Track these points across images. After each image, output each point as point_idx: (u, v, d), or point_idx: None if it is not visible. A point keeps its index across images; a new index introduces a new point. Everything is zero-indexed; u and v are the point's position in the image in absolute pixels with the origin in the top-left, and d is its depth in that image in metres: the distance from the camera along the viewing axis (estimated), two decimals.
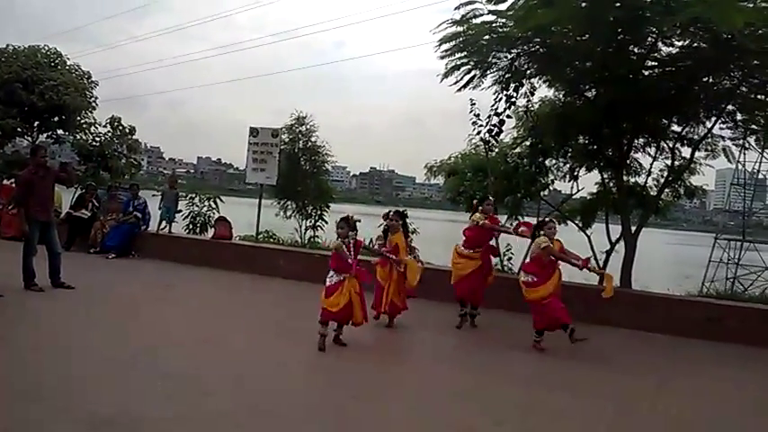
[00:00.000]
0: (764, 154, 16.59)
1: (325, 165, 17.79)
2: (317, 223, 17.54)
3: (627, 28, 9.83)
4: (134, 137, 21.14)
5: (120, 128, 20.75)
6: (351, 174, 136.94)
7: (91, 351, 6.42)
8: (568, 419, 5.56)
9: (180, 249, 14.10)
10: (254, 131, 14.37)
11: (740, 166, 21.77)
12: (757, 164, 20.67)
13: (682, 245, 39.72)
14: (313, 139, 17.42)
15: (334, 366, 6.72)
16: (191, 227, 16.70)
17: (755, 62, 10.24)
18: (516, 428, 5.33)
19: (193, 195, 17.06)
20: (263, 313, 9.46)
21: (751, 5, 8.79)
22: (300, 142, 17.37)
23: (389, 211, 9.03)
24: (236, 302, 10.23)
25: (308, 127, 17.39)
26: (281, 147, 15.66)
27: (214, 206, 16.98)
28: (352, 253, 7.30)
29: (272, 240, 16.36)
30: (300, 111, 17.40)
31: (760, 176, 22.43)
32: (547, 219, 8.63)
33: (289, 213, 17.57)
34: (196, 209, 16.86)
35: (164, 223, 14.96)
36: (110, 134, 20.73)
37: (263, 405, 5.22)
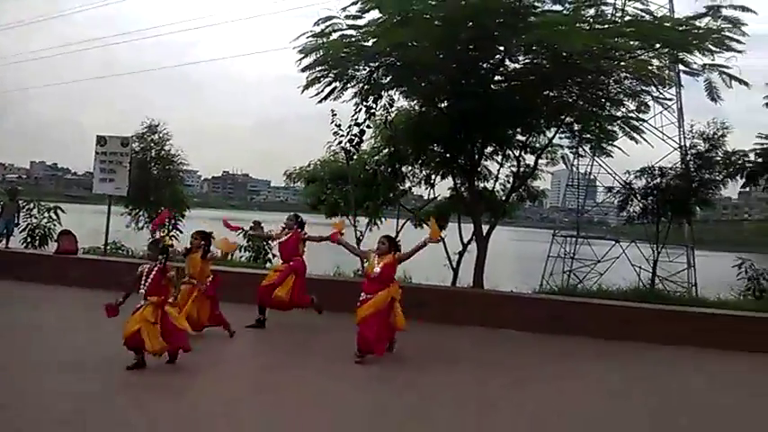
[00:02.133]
0: (596, 159, 18.24)
1: (180, 174, 17.20)
2: (172, 233, 16.90)
3: (477, 46, 10.43)
4: None
5: None
6: (202, 178, 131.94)
7: None
8: (417, 418, 5.88)
9: (21, 266, 12.94)
10: (101, 140, 13.45)
11: (574, 169, 23.60)
12: (589, 167, 22.57)
13: (524, 241, 42.41)
14: (167, 148, 16.78)
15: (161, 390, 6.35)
16: (29, 240, 15.44)
17: (590, 78, 11.30)
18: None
19: (31, 207, 15.76)
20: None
21: (588, 29, 9.64)
22: (153, 151, 16.65)
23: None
24: (82, 322, 9.44)
25: (161, 135, 16.72)
26: (132, 155, 14.87)
27: (55, 217, 15.80)
28: (150, 279, 6.72)
29: (121, 252, 15.51)
30: (152, 119, 16.69)
31: (591, 177, 24.47)
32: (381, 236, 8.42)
33: (141, 224, 16.78)
34: (35, 220, 15.60)
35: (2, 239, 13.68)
36: None
37: None
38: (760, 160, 14.67)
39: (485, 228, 13.22)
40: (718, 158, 14.56)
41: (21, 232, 15.14)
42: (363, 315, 7.52)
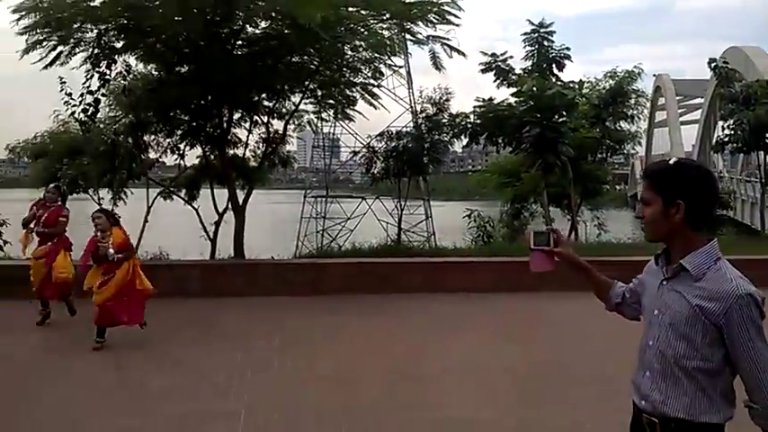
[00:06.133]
0: (339, 123, 19.10)
1: None
2: None
3: (215, 10, 10.19)
4: None
5: None
6: None
7: None
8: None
9: None
10: None
11: (318, 131, 24.35)
12: (332, 128, 23.48)
13: (278, 203, 42.63)
14: None
15: None
16: None
17: (327, 45, 11.68)
18: None
19: None
20: None
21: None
22: None
23: None
24: None
25: None
26: None
27: None
28: None
29: None
30: None
31: (335, 138, 25.63)
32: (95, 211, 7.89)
33: None
34: None
35: None
36: None
37: None
38: (479, 121, 16.78)
39: (240, 195, 13.16)
40: (445, 121, 16.22)
41: None
42: (107, 296, 7.16)
